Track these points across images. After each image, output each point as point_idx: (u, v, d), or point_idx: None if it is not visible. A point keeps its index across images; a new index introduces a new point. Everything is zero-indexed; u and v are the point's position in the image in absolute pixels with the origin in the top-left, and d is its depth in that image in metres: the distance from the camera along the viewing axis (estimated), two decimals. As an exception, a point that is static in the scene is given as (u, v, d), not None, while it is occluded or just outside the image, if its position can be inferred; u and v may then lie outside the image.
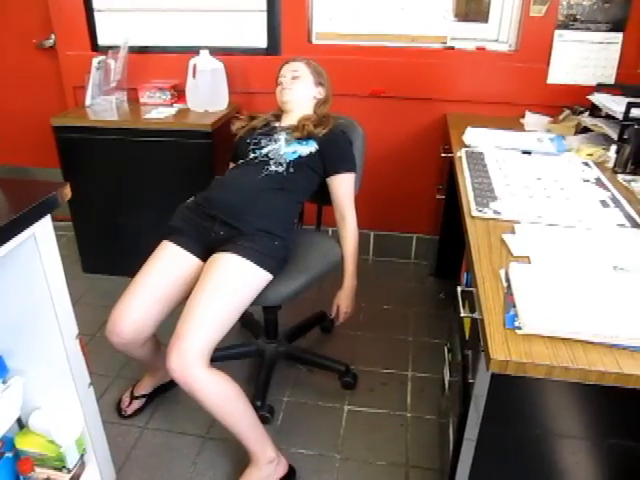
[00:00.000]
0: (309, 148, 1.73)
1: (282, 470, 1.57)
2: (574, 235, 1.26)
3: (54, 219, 1.15)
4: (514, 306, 0.96)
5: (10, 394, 1.19)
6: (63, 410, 1.31)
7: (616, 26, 2.22)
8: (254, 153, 1.75)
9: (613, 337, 0.88)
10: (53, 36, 2.65)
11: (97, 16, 2.54)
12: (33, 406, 1.31)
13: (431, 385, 1.95)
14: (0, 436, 1.22)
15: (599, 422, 0.98)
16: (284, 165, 1.68)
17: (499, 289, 1.03)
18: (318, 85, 1.87)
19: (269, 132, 1.81)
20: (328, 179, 1.78)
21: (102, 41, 2.57)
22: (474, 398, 1.02)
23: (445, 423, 1.45)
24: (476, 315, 1.06)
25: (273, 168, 1.68)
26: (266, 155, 1.72)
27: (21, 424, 1.35)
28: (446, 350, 1.55)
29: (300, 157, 1.71)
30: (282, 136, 1.77)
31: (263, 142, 1.77)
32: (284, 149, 1.73)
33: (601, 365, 0.84)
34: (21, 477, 1.33)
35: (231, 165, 1.87)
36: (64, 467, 1.34)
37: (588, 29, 2.24)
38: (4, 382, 1.19)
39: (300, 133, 1.74)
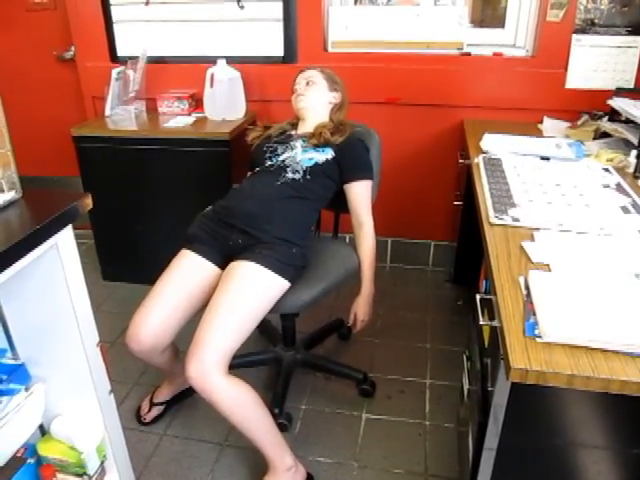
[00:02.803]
0: (325, 155, 1.74)
1: (300, 478, 1.57)
2: (594, 242, 1.24)
3: (74, 227, 1.16)
4: (534, 314, 0.95)
5: (32, 401, 1.20)
6: (84, 417, 1.33)
7: (635, 30, 2.19)
8: (271, 161, 1.76)
9: (636, 346, 0.87)
10: (73, 48, 2.71)
11: (116, 28, 2.58)
12: (55, 413, 1.33)
13: (449, 393, 1.94)
14: (23, 442, 1.24)
15: (622, 431, 0.96)
16: (300, 172, 1.69)
17: (519, 297, 1.02)
18: (333, 90, 1.88)
19: (285, 140, 1.82)
20: (345, 186, 1.78)
21: (121, 52, 2.61)
22: (494, 407, 1.01)
23: (464, 432, 1.44)
24: (495, 323, 1.05)
25: (290, 175, 1.69)
26: (282, 162, 1.73)
27: (43, 431, 1.37)
28: (465, 358, 1.54)
29: (316, 164, 1.71)
30: (298, 143, 1.78)
31: (279, 149, 1.78)
32: (300, 156, 1.73)
33: (623, 374, 0.83)
34: (43, 483, 1.35)
35: (248, 174, 1.87)
36: (85, 473, 1.35)
37: (606, 33, 2.22)
38: (26, 389, 1.21)
39: (317, 140, 1.75)
